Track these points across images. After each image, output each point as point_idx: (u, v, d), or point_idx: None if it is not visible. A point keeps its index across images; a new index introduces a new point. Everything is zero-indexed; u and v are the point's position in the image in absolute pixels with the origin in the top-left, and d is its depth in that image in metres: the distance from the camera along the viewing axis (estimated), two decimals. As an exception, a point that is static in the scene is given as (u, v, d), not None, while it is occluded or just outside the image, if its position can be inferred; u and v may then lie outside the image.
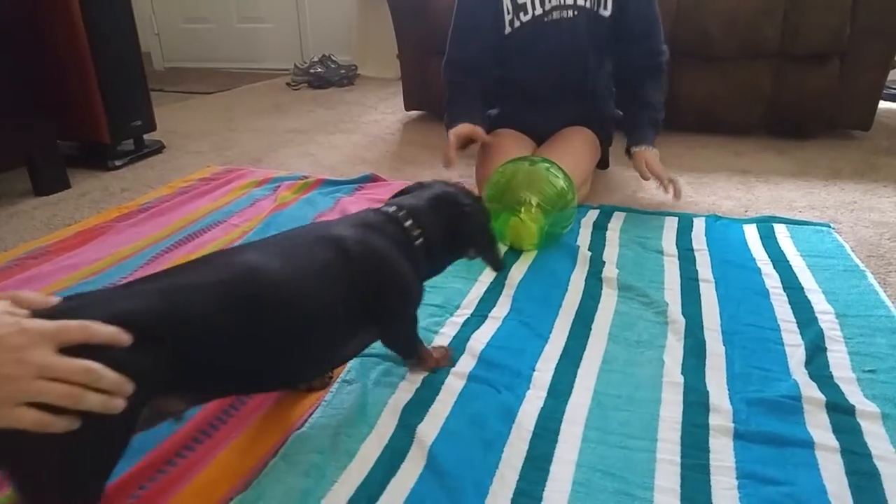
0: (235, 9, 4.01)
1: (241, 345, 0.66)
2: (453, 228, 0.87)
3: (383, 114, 2.72)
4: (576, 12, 1.55)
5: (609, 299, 1.09)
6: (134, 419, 0.59)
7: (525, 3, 1.56)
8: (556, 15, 1.56)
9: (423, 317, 1.05)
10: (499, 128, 1.69)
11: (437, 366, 0.91)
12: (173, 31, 4.19)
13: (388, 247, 0.79)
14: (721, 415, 0.80)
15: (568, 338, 0.98)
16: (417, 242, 0.83)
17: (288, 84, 3.36)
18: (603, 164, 1.81)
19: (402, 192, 0.94)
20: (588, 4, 1.53)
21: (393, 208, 0.84)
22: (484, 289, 1.15)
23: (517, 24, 1.58)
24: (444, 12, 2.23)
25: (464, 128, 1.54)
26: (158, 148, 2.16)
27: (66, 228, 1.50)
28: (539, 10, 1.56)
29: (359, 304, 0.75)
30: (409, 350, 0.90)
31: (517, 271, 1.20)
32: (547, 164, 1.32)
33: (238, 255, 0.72)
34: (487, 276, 1.19)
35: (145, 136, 2.13)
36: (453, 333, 1.01)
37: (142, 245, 1.38)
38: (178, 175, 1.90)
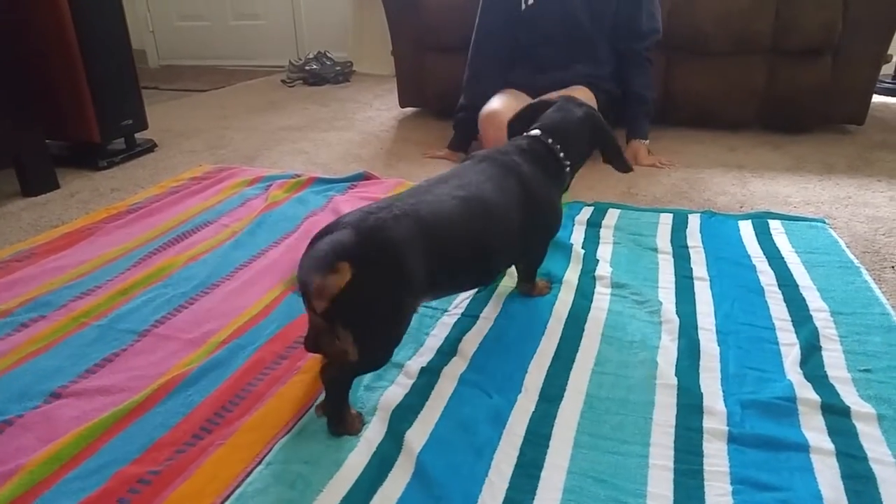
0: (231, 6, 3.98)
1: (475, 249, 0.87)
2: (592, 141, 1.08)
3: (378, 110, 2.69)
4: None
5: (602, 298, 1.08)
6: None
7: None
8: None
9: (415, 318, 1.04)
10: (510, 89, 1.89)
11: (543, 293, 1.10)
12: (168, 29, 4.16)
13: (552, 186, 1.03)
14: (715, 417, 0.79)
15: (560, 339, 0.97)
16: (567, 170, 1.04)
17: (283, 81, 3.33)
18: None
19: (533, 110, 1.12)
20: None
21: (544, 135, 1.03)
22: (474, 291, 1.13)
23: (531, 1, 1.85)
24: (437, 9, 2.22)
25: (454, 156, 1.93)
26: (150, 147, 2.14)
27: (52, 230, 1.48)
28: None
29: (528, 226, 0.95)
30: (534, 273, 1.09)
31: (508, 277, 1.18)
32: None
33: (458, 178, 0.91)
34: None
35: (137, 135, 2.11)
36: (444, 335, 1.00)
37: (130, 247, 1.36)
38: (169, 174, 1.89)
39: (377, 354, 0.78)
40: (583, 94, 1.76)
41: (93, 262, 1.29)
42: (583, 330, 0.99)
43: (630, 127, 1.87)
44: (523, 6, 1.87)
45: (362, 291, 0.71)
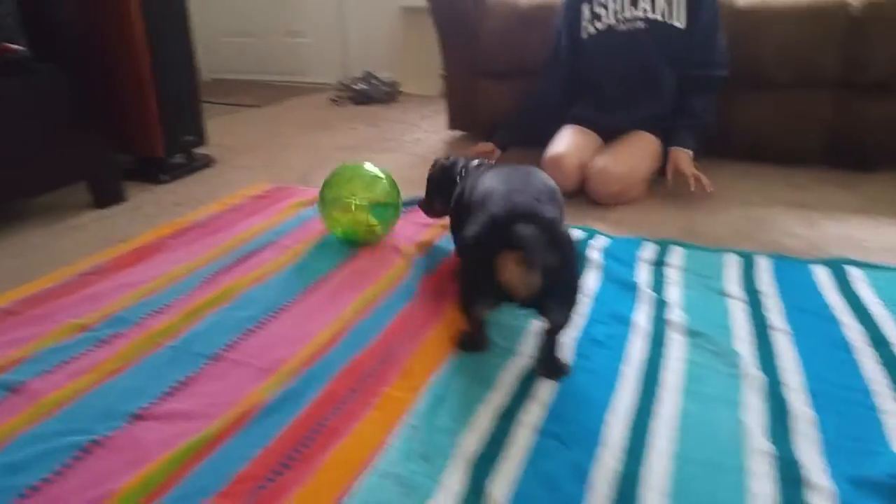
0: (280, 23, 4.06)
1: None
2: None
3: (426, 132, 2.71)
4: (647, 25, 1.73)
5: (677, 346, 1.05)
6: None
7: (600, 14, 1.78)
8: (627, 26, 1.75)
9: (486, 356, 1.04)
10: (571, 124, 1.88)
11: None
12: (218, 43, 4.25)
13: None
14: (822, 495, 0.74)
15: (637, 388, 0.95)
16: None
17: (332, 100, 3.38)
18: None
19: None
20: (661, 17, 1.71)
21: None
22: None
23: (592, 31, 1.81)
24: (492, 35, 2.23)
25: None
26: (208, 162, 2.18)
27: (122, 244, 1.51)
28: (612, 21, 1.77)
29: None
30: None
31: (576, 315, 1.17)
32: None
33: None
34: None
35: (194, 150, 2.16)
36: (517, 377, 0.99)
37: (194, 265, 1.38)
38: (227, 190, 1.92)
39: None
40: (647, 142, 1.76)
41: (161, 280, 1.31)
42: (660, 380, 0.97)
43: (672, 136, 1.76)
44: (584, 34, 1.84)
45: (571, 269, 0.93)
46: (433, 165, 1.44)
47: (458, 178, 1.31)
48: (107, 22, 1.82)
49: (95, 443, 0.84)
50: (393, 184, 1.48)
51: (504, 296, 0.90)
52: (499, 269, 0.88)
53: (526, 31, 2.14)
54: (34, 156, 1.59)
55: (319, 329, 1.13)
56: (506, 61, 2.21)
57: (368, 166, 1.48)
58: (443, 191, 1.37)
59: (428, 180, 1.45)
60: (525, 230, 0.86)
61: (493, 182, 1.06)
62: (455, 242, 1.30)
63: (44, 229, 1.63)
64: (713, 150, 1.97)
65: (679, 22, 1.72)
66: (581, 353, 1.05)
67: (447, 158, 1.42)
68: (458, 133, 2.63)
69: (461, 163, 1.37)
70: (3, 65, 1.51)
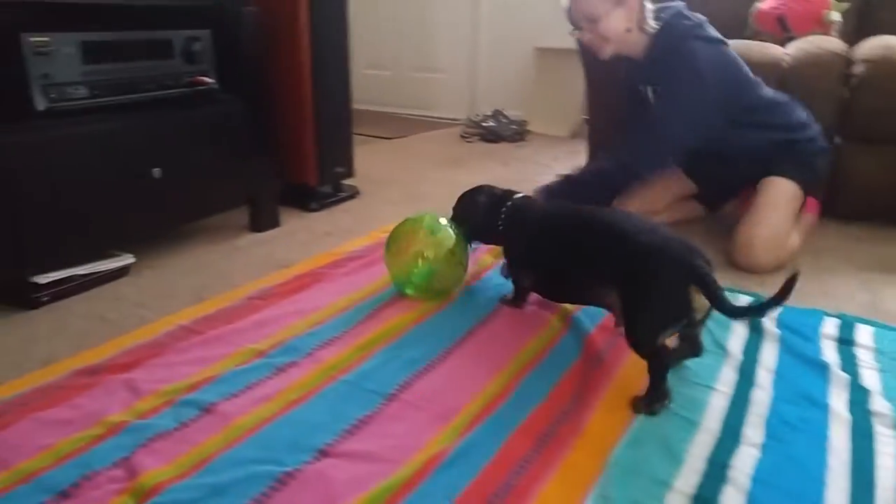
0: (414, 57, 4.20)
1: None
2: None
3: (560, 174, 2.68)
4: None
5: (888, 443, 0.95)
6: None
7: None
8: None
9: (670, 427, 0.98)
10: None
11: None
12: (355, 76, 4.45)
13: None
14: None
15: (850, 490, 0.86)
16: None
17: (461, 136, 3.44)
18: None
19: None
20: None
21: None
22: (727, 400, 1.05)
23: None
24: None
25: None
26: (353, 193, 2.26)
27: (283, 270, 1.58)
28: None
29: None
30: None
31: (760, 390, 1.09)
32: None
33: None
34: (724, 383, 1.10)
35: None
36: (706, 455, 0.93)
37: (356, 297, 1.42)
38: (373, 223, 1.96)
39: None
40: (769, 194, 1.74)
41: (326, 310, 1.35)
42: (876, 479, 0.87)
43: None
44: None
45: None
46: (478, 194, 1.44)
47: (502, 209, 1.37)
48: (281, 55, 1.94)
49: (288, 475, 0.86)
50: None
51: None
52: (693, 299, 1.01)
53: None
54: (218, 179, 1.71)
55: (487, 379, 1.11)
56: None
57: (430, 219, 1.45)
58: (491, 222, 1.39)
59: (472, 207, 1.43)
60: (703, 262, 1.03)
61: (616, 219, 1.17)
62: (512, 273, 1.40)
63: (211, 249, 1.73)
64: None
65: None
66: (773, 434, 0.97)
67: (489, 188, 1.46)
68: (592, 177, 2.58)
69: (498, 193, 1.42)
70: (196, 95, 1.63)
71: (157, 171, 1.53)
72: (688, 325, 1.07)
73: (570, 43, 1.96)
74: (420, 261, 1.37)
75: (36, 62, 1.31)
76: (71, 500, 0.81)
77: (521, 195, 1.41)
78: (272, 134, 1.88)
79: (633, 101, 1.86)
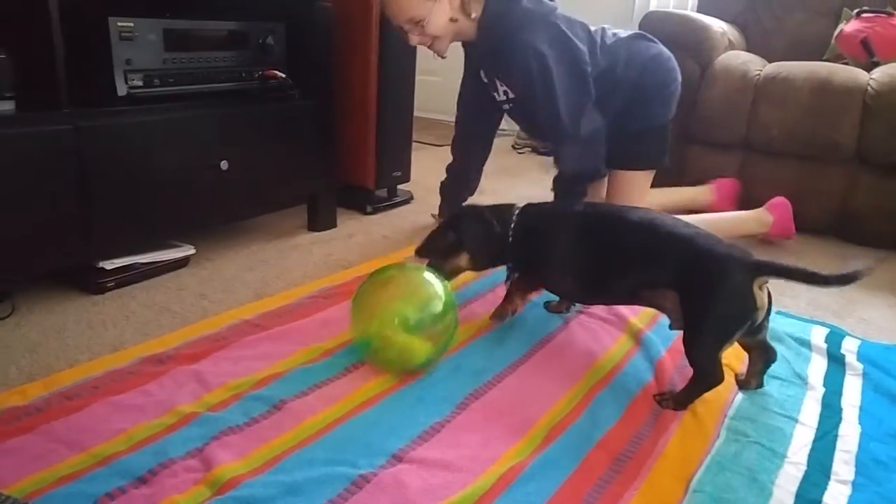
0: (461, 66, 4.18)
1: None
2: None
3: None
4: (511, 105, 1.71)
5: None
6: None
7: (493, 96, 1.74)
8: (506, 106, 1.74)
9: (752, 456, 0.94)
10: None
11: None
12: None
13: None
14: None
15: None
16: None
17: (513, 146, 3.41)
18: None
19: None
20: (511, 95, 1.66)
21: None
22: (811, 434, 1.01)
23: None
24: (715, 103, 2.13)
25: None
26: (408, 199, 2.25)
27: (342, 271, 1.57)
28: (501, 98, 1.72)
29: None
30: None
31: (847, 426, 1.04)
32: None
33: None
34: (807, 415, 1.05)
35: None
36: (793, 489, 0.88)
37: (417, 302, 1.40)
38: (429, 230, 1.94)
39: None
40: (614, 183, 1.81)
41: (388, 313, 1.33)
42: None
43: None
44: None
45: None
46: (469, 219, 1.35)
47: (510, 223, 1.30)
48: (349, 54, 1.94)
49: (364, 478, 0.84)
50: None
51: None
52: (756, 298, 1.01)
53: (752, 102, 2.05)
54: (282, 175, 1.71)
55: (558, 394, 1.08)
56: (726, 131, 2.12)
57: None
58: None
59: (474, 232, 1.32)
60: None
61: (641, 223, 1.14)
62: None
63: (271, 246, 1.74)
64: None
65: (506, 101, 1.70)
66: (864, 472, 0.93)
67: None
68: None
69: (489, 210, 1.35)
70: (268, 89, 1.64)
71: (224, 164, 1.54)
72: (750, 330, 1.04)
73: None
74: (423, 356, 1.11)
75: (120, 46, 1.32)
76: (149, 486, 0.81)
77: (521, 204, 1.36)
78: (336, 134, 1.88)
79: (472, 88, 1.90)
